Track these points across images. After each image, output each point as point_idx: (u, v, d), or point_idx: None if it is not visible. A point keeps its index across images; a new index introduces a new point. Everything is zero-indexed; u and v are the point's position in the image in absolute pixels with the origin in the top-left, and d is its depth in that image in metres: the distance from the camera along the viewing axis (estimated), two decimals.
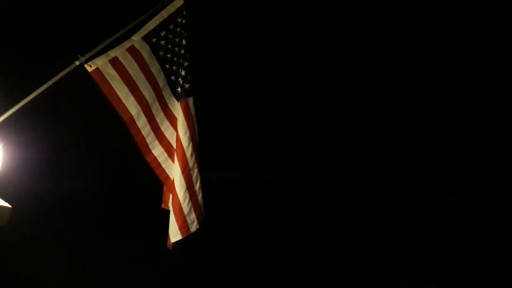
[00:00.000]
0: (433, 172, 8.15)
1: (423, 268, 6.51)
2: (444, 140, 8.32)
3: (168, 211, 3.96)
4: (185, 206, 3.80)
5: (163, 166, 3.85)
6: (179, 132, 3.81)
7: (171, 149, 3.86)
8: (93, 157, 7.20)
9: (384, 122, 8.49)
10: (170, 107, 3.84)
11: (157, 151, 3.81)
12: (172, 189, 3.84)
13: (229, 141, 8.23)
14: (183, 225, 3.81)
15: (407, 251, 6.84)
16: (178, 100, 3.85)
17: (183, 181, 3.79)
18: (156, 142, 3.79)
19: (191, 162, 3.82)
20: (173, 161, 3.87)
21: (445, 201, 7.81)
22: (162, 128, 3.82)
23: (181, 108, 3.81)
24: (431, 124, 8.36)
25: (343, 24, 7.98)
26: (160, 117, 3.79)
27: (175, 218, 3.79)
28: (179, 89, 3.84)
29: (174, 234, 3.80)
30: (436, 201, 7.83)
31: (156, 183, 3.97)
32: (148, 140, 3.74)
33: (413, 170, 8.15)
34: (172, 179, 3.88)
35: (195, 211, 3.86)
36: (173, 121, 3.85)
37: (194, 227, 3.88)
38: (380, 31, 7.97)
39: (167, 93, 3.82)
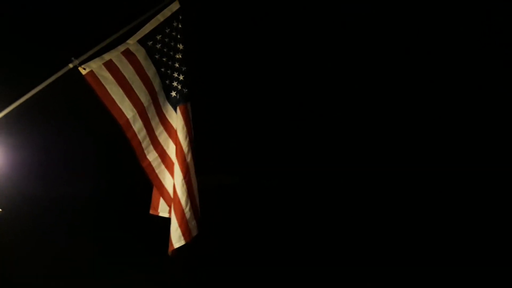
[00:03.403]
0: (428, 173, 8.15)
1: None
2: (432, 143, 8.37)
3: (160, 217, 3.95)
4: (187, 211, 3.80)
5: (157, 171, 3.83)
6: (180, 138, 3.80)
7: (165, 154, 3.85)
8: (87, 161, 7.15)
9: (376, 128, 8.53)
10: (164, 112, 3.83)
11: (152, 156, 3.79)
12: (173, 194, 3.83)
13: (223, 146, 8.22)
14: (186, 230, 3.81)
15: (404, 254, 6.84)
16: (173, 104, 3.84)
17: (184, 186, 3.78)
18: (151, 147, 3.78)
19: (191, 167, 3.83)
20: (166, 166, 3.87)
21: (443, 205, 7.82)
22: (157, 133, 3.81)
23: (181, 113, 3.80)
24: (423, 130, 8.40)
25: (337, 28, 8.02)
26: (155, 122, 3.78)
27: (178, 224, 3.77)
28: (173, 93, 3.83)
29: (177, 240, 3.79)
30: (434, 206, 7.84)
31: (151, 188, 3.94)
32: (144, 144, 3.72)
33: (408, 172, 8.16)
34: (165, 184, 3.88)
35: (195, 216, 3.87)
36: (166, 125, 3.84)
37: (194, 232, 3.89)
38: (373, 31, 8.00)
39: (162, 97, 3.82)
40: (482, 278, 6.30)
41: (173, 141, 3.87)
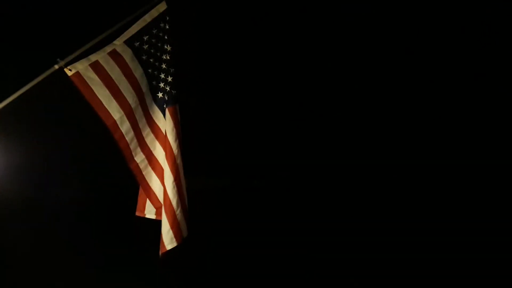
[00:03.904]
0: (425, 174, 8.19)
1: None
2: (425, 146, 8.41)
3: (149, 219, 3.93)
4: (178, 213, 3.81)
5: (144, 173, 3.82)
6: (170, 140, 3.78)
7: (151, 156, 3.84)
8: (73, 163, 7.10)
9: (366, 130, 8.56)
10: (151, 113, 3.81)
11: (139, 158, 3.77)
12: (164, 196, 3.81)
13: (214, 148, 8.21)
14: (178, 232, 3.81)
15: (402, 256, 6.83)
16: (160, 106, 3.82)
17: (175, 188, 3.78)
18: (139, 149, 3.76)
19: (180, 169, 3.83)
20: (152, 168, 3.85)
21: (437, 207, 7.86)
22: (144, 134, 3.79)
23: (170, 115, 3.78)
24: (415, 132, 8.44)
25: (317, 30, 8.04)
26: (142, 123, 3.75)
27: (170, 225, 3.77)
28: (160, 95, 3.81)
29: (169, 242, 3.78)
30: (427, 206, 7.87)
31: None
32: (132, 146, 3.69)
33: (402, 173, 8.18)
34: (151, 186, 3.86)
35: (185, 217, 3.87)
36: (153, 127, 3.82)
37: (185, 233, 3.89)
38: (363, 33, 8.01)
39: (149, 98, 3.79)
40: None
41: (159, 143, 3.85)
